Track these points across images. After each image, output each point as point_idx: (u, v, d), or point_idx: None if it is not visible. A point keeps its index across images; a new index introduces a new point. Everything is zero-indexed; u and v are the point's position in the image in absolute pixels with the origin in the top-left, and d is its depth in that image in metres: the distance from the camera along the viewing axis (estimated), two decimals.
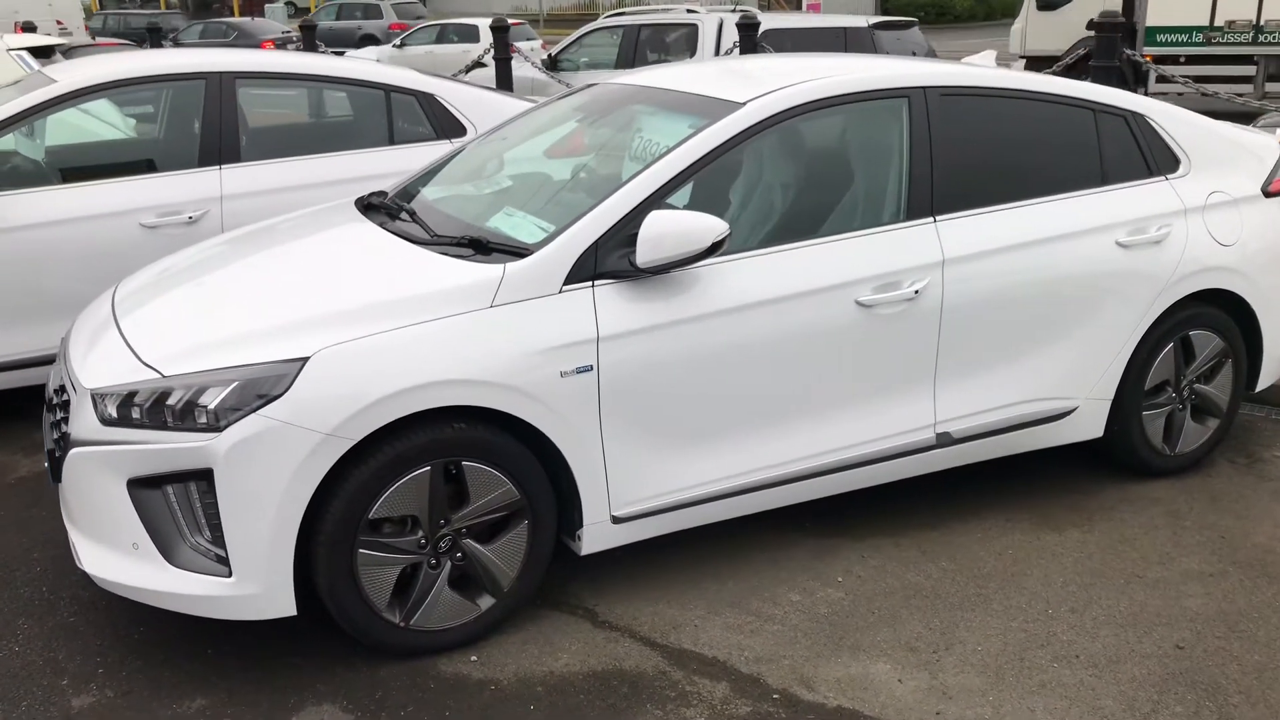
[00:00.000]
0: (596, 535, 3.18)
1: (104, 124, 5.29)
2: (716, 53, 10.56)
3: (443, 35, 21.48)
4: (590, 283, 3.08)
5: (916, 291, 3.45)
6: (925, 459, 3.63)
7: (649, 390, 3.13)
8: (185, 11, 35.95)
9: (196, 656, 3.07)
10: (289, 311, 2.97)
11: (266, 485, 2.75)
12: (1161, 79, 10.15)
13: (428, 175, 4.08)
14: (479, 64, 10.76)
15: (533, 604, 3.27)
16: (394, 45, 21.56)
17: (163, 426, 2.79)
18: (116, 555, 2.88)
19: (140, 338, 3.05)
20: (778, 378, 3.31)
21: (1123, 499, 3.98)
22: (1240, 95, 9.35)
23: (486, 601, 3.10)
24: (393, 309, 2.93)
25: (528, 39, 20.16)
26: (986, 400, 3.68)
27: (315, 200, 4.71)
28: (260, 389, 2.76)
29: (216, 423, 2.75)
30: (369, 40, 27.26)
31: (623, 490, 3.17)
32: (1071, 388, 3.83)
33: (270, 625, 3.12)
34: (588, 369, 3.03)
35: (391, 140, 5.28)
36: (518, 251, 3.10)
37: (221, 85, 4.93)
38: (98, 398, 2.88)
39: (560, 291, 3.05)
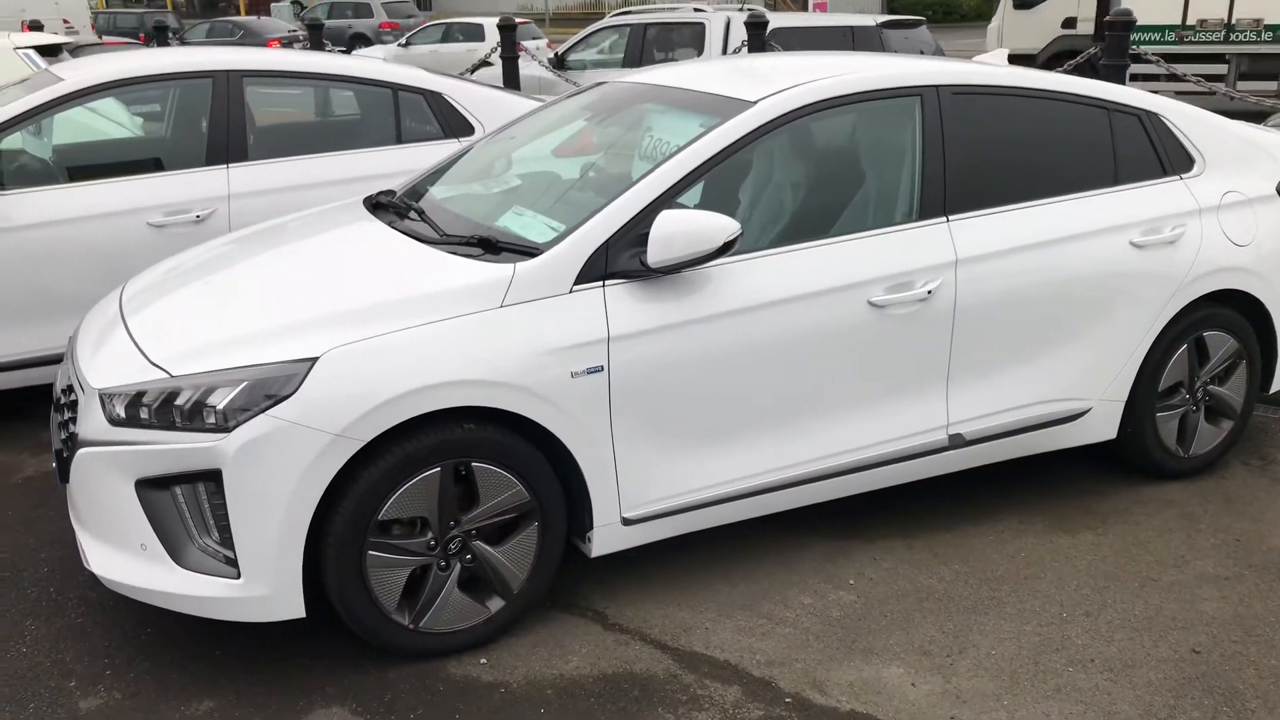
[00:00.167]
0: (607, 537, 3.16)
1: (111, 123, 5.29)
2: (724, 51, 10.53)
3: (448, 34, 21.50)
4: (601, 282, 3.06)
5: (929, 292, 3.43)
6: (938, 460, 3.60)
7: (660, 391, 3.11)
8: (177, 12, 35.93)
9: (204, 658, 3.05)
10: (298, 311, 2.95)
11: (275, 486, 2.73)
12: (1135, 78, 10.15)
13: (436, 174, 4.06)
14: (485, 63, 10.76)
15: (543, 606, 3.25)
16: (399, 44, 21.58)
17: (171, 427, 2.78)
18: (124, 556, 2.86)
19: (148, 337, 3.03)
20: (789, 378, 3.29)
21: (1136, 501, 3.95)
22: (1255, 95, 9.26)
23: (496, 603, 3.08)
24: (402, 309, 2.91)
25: (533, 38, 20.19)
26: (999, 401, 3.66)
27: (323, 199, 4.70)
28: (269, 389, 2.75)
29: (225, 423, 2.73)
30: (360, 39, 27.28)
31: (633, 492, 3.14)
32: (1085, 389, 3.80)
33: (279, 627, 3.10)
34: (598, 369, 3.01)
35: (399, 139, 5.27)
36: (528, 251, 3.08)
37: (229, 84, 4.92)
38: (106, 398, 2.87)
39: (571, 291, 3.02)
